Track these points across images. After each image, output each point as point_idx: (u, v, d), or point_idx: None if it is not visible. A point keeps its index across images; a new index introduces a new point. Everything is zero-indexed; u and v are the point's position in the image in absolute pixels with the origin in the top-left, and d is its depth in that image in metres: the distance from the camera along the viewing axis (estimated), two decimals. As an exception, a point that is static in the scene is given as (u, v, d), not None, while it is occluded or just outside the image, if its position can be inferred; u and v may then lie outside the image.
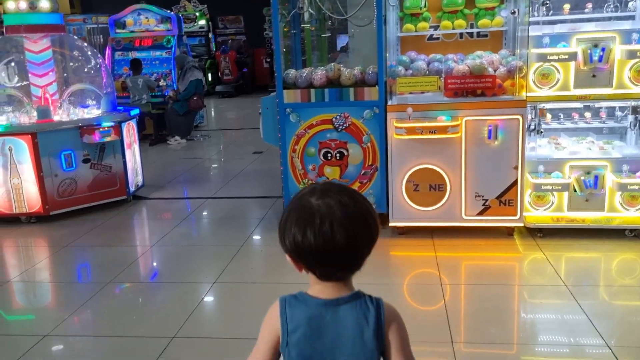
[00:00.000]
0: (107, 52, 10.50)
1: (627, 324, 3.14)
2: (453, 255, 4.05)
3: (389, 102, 4.27)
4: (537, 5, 4.07)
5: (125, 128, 5.61)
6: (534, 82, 4.09)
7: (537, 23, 4.09)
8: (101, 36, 12.35)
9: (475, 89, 4.15)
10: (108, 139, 5.33)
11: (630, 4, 4.11)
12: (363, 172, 4.44)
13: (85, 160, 5.32)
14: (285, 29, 5.20)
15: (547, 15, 4.11)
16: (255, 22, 16.85)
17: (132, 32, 10.46)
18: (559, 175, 4.19)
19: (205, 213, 5.51)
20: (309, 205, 1.23)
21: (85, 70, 5.86)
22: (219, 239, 4.77)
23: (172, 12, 11.08)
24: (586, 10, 4.15)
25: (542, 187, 4.16)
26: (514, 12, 4.17)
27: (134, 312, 3.47)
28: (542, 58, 3.98)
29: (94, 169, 5.38)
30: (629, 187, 4.06)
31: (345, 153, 4.43)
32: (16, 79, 5.47)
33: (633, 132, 4.25)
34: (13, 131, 5.05)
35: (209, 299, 3.61)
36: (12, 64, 5.49)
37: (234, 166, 7.42)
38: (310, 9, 5.18)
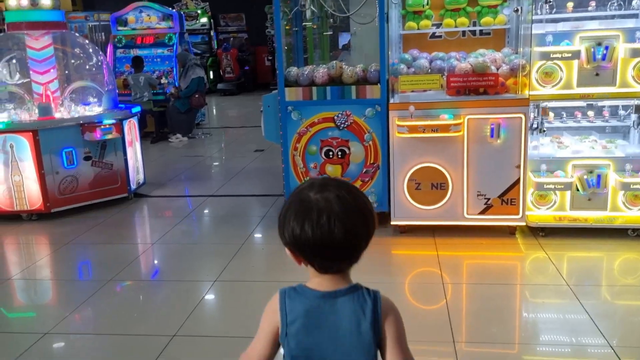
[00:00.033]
0: (109, 49, 10.50)
1: (630, 324, 3.13)
2: (455, 254, 4.04)
3: (391, 100, 4.25)
4: (540, 3, 4.04)
5: (126, 126, 5.60)
6: (536, 80, 4.07)
7: (540, 21, 4.06)
8: (103, 34, 12.35)
9: (477, 87, 4.13)
10: (109, 136, 5.32)
11: (634, 2, 4.09)
12: (365, 170, 4.43)
13: (87, 158, 5.31)
14: (287, 27, 5.18)
15: (550, 13, 4.09)
16: (257, 20, 16.82)
17: (133, 29, 10.45)
18: (562, 174, 4.17)
19: (206, 211, 5.50)
20: (307, 199, 1.25)
21: (87, 67, 5.85)
22: (220, 237, 4.76)
23: (174, 10, 11.06)
24: (589, 8, 4.13)
25: (545, 186, 4.14)
26: (516, 10, 4.15)
27: (135, 310, 3.46)
28: (545, 56, 3.96)
29: (95, 167, 5.38)
30: (632, 187, 4.04)
31: (347, 151, 4.42)
32: (17, 76, 5.47)
33: (636, 131, 4.23)
34: (14, 128, 5.04)
35: (209, 297, 3.60)
36: (14, 61, 5.49)
37: (235, 164, 7.41)
38: (312, 7, 5.17)
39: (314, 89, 4.40)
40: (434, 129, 4.06)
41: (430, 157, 4.19)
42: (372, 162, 4.41)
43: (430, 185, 4.23)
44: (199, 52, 15.25)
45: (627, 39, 3.95)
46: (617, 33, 3.96)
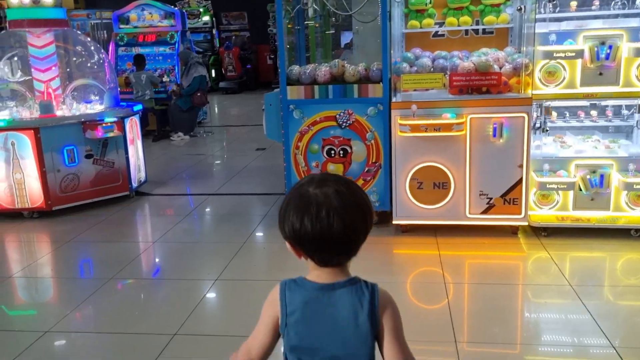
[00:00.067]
0: (111, 47, 10.49)
1: (632, 325, 3.11)
2: (457, 254, 4.03)
3: (393, 99, 4.24)
4: (543, 2, 4.03)
5: (128, 124, 5.59)
6: (539, 79, 4.05)
7: (544, 20, 4.04)
8: (105, 31, 12.35)
9: (480, 86, 4.12)
10: (111, 134, 5.32)
11: (637, 1, 4.06)
12: (367, 169, 4.42)
13: (88, 156, 5.31)
14: (289, 26, 5.17)
15: (554, 12, 4.07)
16: (259, 19, 16.83)
17: (135, 27, 10.45)
18: (565, 174, 4.15)
19: (208, 209, 5.49)
20: (307, 194, 1.28)
21: (89, 65, 5.84)
22: (221, 235, 4.75)
23: (176, 8, 11.05)
24: (593, 7, 4.11)
25: (547, 186, 4.13)
26: (520, 9, 4.13)
27: (136, 309, 3.46)
28: (549, 55, 3.94)
29: (97, 165, 5.37)
30: (635, 187, 4.03)
31: (349, 150, 4.41)
32: (19, 73, 5.46)
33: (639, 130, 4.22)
34: (16, 126, 5.04)
35: (210, 296, 3.59)
36: (15, 58, 5.48)
37: (237, 163, 7.40)
38: (314, 5, 5.15)
39: (316, 87, 4.38)
40: (437, 128, 4.05)
41: (433, 156, 4.18)
42: (374, 161, 4.39)
43: (433, 185, 4.22)
44: (200, 50, 15.24)
45: (631, 38, 3.93)
46: (620, 32, 3.94)
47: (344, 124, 4.37)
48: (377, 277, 1.42)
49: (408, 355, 1.34)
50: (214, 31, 17.16)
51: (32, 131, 4.98)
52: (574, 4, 4.10)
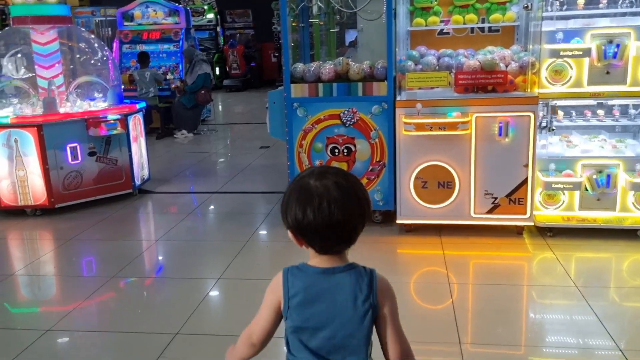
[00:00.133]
0: (115, 44, 10.48)
1: (638, 327, 3.08)
2: (461, 254, 4.00)
3: (398, 98, 4.21)
4: (550, 0, 3.99)
5: (131, 121, 5.58)
6: (546, 78, 4.02)
7: (551, 18, 4.00)
8: (109, 29, 12.34)
9: (486, 84, 4.08)
10: (114, 132, 5.30)
11: (646, 0, 4.02)
12: (371, 168, 4.39)
13: (91, 153, 5.29)
14: (293, 23, 5.15)
15: (561, 10, 4.03)
16: (263, 16, 16.77)
17: (140, 25, 10.43)
18: (571, 173, 4.12)
19: (211, 208, 5.48)
20: (307, 186, 1.36)
21: (92, 62, 5.83)
22: (224, 234, 4.73)
23: (181, 5, 11.04)
24: (601, 5, 4.06)
25: (553, 186, 4.09)
26: (526, 7, 4.09)
27: (138, 307, 3.44)
28: (555, 54, 3.90)
29: (100, 162, 5.36)
30: (641, 187, 3.99)
31: (353, 149, 4.38)
32: (23, 70, 5.45)
33: (647, 130, 4.18)
34: (19, 123, 5.02)
35: (213, 294, 3.57)
36: (19, 55, 5.47)
37: (240, 161, 7.39)
38: (318, 3, 5.13)
39: (320, 85, 4.36)
40: (441, 126, 4.02)
41: (437, 155, 4.14)
42: (378, 159, 4.37)
43: (437, 184, 4.19)
44: (204, 47, 15.22)
45: (639, 37, 3.88)
46: (628, 31, 3.89)
47: (348, 123, 4.34)
48: (380, 277, 1.42)
49: (404, 339, 1.45)
50: (218, 29, 17.13)
51: (35, 128, 4.97)
52: (581, 2, 4.05)
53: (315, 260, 1.44)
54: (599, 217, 4.14)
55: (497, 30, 4.59)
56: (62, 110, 5.33)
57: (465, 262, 3.92)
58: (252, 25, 17.67)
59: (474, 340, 2.95)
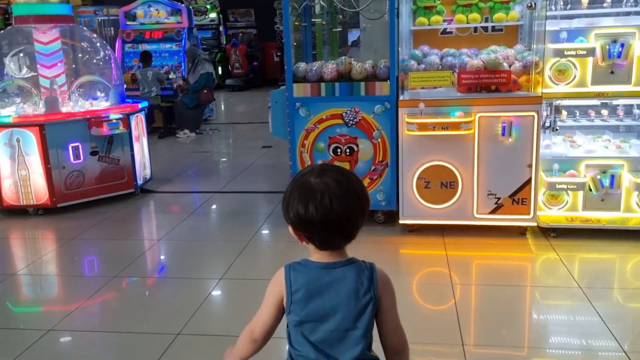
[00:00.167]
0: (117, 44, 10.48)
1: (643, 328, 3.06)
2: (464, 254, 3.98)
3: (401, 97, 4.19)
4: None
5: (133, 121, 5.57)
6: (550, 78, 3.99)
7: (555, 17, 3.98)
8: (112, 28, 12.34)
9: (489, 84, 4.06)
10: (116, 131, 5.30)
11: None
12: (373, 168, 4.37)
13: (93, 153, 5.29)
14: (296, 23, 5.14)
15: (565, 9, 4.00)
16: (266, 16, 16.70)
17: (142, 24, 10.43)
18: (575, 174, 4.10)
19: (213, 207, 5.47)
20: (308, 183, 1.40)
21: (95, 61, 5.82)
22: (226, 233, 4.73)
23: (183, 5, 11.03)
24: (605, 4, 4.03)
25: (557, 186, 4.07)
26: (530, 6, 4.06)
27: (139, 307, 3.43)
28: (559, 53, 3.88)
29: (102, 162, 5.35)
30: (646, 187, 3.96)
31: (355, 148, 4.37)
32: (25, 70, 5.45)
33: (651, 130, 4.16)
34: (21, 122, 5.02)
35: (215, 295, 3.56)
36: (21, 54, 5.47)
37: (242, 160, 7.38)
38: (321, 2, 5.12)
39: (323, 85, 4.34)
40: (444, 126, 4.00)
41: (440, 155, 4.13)
42: (380, 159, 4.35)
43: (440, 184, 4.17)
44: (207, 46, 15.22)
45: (643, 37, 3.86)
46: (633, 30, 3.87)
47: (351, 122, 4.33)
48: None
49: (401, 331, 1.51)
50: (221, 28, 17.14)
51: (38, 128, 4.97)
52: (585, 1, 4.02)
53: (316, 255, 1.47)
54: (603, 217, 4.12)
55: (501, 30, 4.57)
56: (64, 109, 5.32)
57: (468, 263, 3.91)
58: (255, 24, 17.65)
59: (476, 341, 2.93)
